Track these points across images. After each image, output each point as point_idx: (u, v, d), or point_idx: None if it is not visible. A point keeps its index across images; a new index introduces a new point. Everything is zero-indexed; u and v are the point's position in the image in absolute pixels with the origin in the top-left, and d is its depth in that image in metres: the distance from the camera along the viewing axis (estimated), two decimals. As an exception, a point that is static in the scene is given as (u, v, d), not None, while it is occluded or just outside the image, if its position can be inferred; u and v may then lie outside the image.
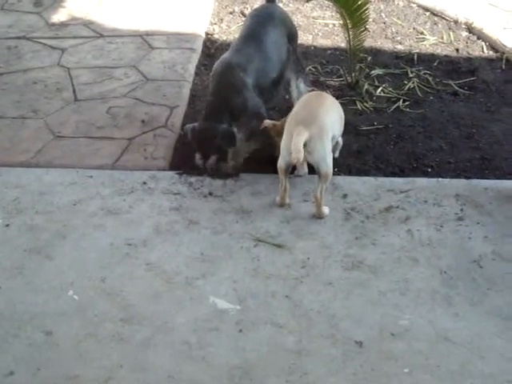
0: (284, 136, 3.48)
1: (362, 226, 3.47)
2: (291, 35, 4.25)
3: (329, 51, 5.29)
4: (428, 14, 5.85)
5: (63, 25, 5.68)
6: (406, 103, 4.59)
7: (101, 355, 2.79)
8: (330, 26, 5.70)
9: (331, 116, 3.60)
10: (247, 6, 5.99)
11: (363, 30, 4.55)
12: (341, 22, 4.67)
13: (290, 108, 3.90)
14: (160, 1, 6.02)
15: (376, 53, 5.23)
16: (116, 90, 4.74)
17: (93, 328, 2.91)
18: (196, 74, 5.00)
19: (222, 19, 5.83)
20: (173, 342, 2.85)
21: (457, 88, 4.77)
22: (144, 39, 5.42)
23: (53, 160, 4.01)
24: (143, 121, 4.37)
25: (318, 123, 3.43)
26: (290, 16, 4.56)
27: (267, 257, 3.28)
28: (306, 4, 6.07)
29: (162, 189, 3.74)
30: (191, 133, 3.83)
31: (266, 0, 4.38)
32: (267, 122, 3.82)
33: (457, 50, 5.29)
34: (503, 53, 5.18)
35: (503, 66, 5.06)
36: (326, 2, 5.89)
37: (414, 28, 5.63)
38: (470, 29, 5.56)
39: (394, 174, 3.90)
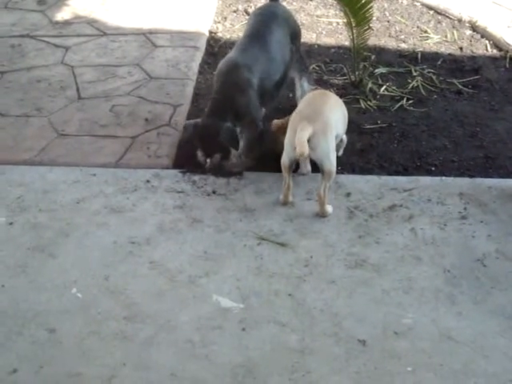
0: (288, 132, 3.48)
1: (366, 224, 3.47)
2: (295, 34, 4.24)
3: (332, 50, 5.29)
4: (432, 12, 5.85)
5: (67, 23, 5.69)
6: (410, 102, 4.58)
7: (104, 353, 2.80)
8: (334, 24, 5.69)
9: (335, 114, 3.59)
10: (251, 4, 5.99)
11: (367, 29, 4.54)
12: (344, 20, 4.67)
13: (293, 107, 3.89)
14: (164, -1, 6.04)
15: (380, 51, 5.22)
16: (119, 88, 4.74)
17: (96, 326, 2.92)
18: (199, 72, 5.00)
19: (225, 17, 5.83)
20: (176, 340, 2.85)
21: (460, 86, 4.76)
22: (147, 37, 5.43)
23: (56, 158, 4.01)
24: (147, 119, 4.37)
25: (322, 120, 3.43)
26: (293, 14, 4.56)
27: (270, 255, 3.28)
28: (310, 2, 6.07)
29: (166, 187, 3.75)
30: (193, 129, 3.82)
31: (269, -2, 4.38)
32: (274, 122, 3.82)
33: (461, 48, 5.28)
34: (507, 51, 5.18)
35: (507, 65, 5.05)
36: (330, 0, 5.92)
37: (417, 26, 5.63)
38: (473, 27, 5.56)
39: (397, 173, 3.90)
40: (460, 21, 5.65)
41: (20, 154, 4.05)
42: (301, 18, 5.65)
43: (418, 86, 4.76)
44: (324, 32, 5.58)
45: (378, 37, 5.44)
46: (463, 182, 3.78)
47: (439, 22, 5.68)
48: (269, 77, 3.93)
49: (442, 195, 3.66)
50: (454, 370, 2.71)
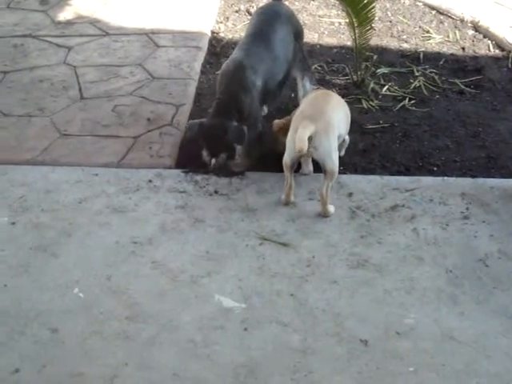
0: (290, 132, 3.47)
1: (368, 224, 3.47)
2: (297, 34, 4.24)
3: (335, 50, 5.29)
4: (434, 12, 5.85)
5: (69, 23, 5.69)
6: (412, 102, 4.58)
7: (106, 353, 2.80)
8: (336, 24, 5.69)
9: (337, 114, 3.59)
10: (253, 4, 5.99)
11: (369, 29, 4.54)
12: (347, 20, 4.67)
13: (295, 107, 3.90)
14: (166, -1, 6.04)
15: (382, 51, 5.22)
16: (122, 88, 4.74)
17: (98, 326, 2.92)
18: (202, 72, 5.00)
19: (227, 18, 5.83)
20: (178, 340, 2.85)
21: (463, 87, 4.76)
22: (150, 37, 5.43)
23: (59, 158, 4.02)
24: (149, 119, 4.37)
25: (324, 119, 3.43)
26: (295, 14, 4.55)
27: (272, 255, 3.28)
28: (312, 2, 6.07)
29: (168, 187, 3.75)
30: (199, 129, 3.80)
31: (271, -2, 4.38)
32: (275, 122, 3.82)
33: (463, 48, 5.28)
34: (509, 51, 5.17)
35: (509, 65, 5.04)
36: (332, 0, 5.91)
37: (419, 26, 5.62)
38: (476, 27, 5.55)
39: (399, 173, 3.90)
40: (462, 21, 5.64)
41: (22, 154, 4.05)
42: (303, 18, 5.65)
43: (420, 86, 4.75)
44: (326, 32, 5.58)
45: (380, 37, 5.44)
46: (465, 182, 3.77)
47: (441, 22, 5.68)
48: (272, 76, 3.93)
49: (444, 195, 3.66)
50: (456, 370, 2.71)
